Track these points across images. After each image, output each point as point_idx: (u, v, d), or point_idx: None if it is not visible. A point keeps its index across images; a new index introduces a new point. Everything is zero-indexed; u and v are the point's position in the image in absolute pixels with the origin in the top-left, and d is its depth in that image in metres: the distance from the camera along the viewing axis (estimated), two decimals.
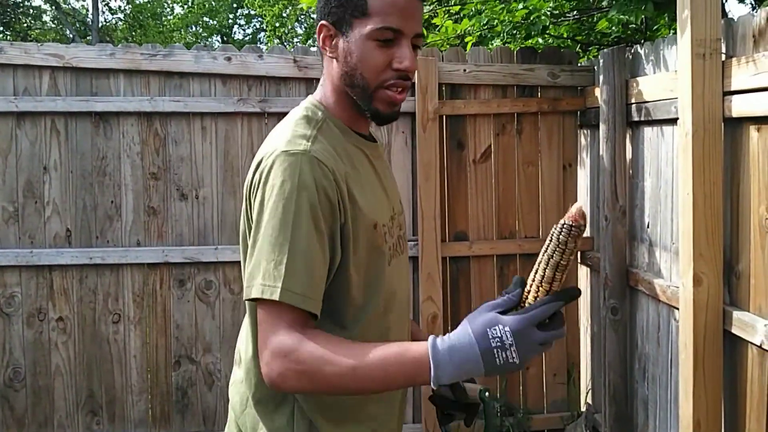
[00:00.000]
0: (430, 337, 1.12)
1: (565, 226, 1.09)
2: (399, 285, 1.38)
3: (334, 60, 1.30)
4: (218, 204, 3.42)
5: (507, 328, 1.07)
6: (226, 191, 3.41)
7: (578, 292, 1.12)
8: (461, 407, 1.44)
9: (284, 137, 1.24)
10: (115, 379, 3.43)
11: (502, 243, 3.54)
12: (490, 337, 1.07)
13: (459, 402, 1.43)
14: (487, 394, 1.39)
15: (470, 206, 3.54)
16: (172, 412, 3.46)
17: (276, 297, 1.13)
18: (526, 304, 1.12)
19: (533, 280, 1.11)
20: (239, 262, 3.29)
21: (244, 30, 20.49)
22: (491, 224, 3.56)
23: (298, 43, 16.54)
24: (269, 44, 16.14)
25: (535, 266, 1.12)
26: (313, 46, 15.60)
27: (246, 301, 1.26)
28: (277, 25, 16.37)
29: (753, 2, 3.90)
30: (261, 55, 3.33)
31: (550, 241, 1.11)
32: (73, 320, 3.38)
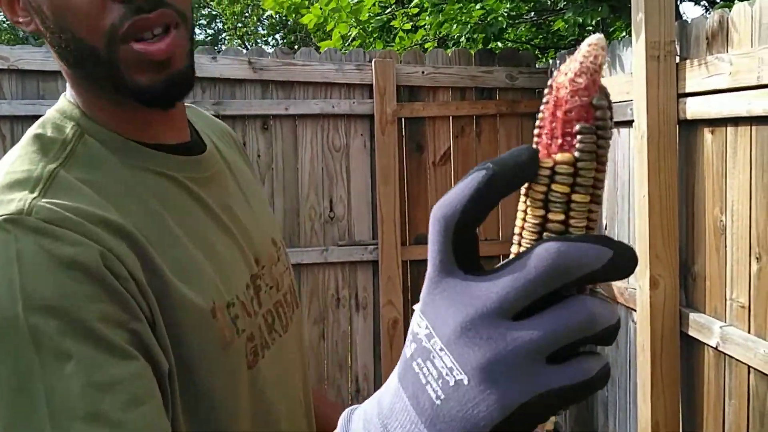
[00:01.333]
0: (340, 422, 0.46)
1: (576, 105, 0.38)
2: (279, 390, 0.82)
3: (39, 33, 0.73)
4: None
5: (441, 347, 0.39)
6: None
7: (634, 255, 0.38)
8: None
9: None
10: None
11: None
12: (408, 351, 0.41)
13: None
14: None
15: (430, 209, 3.50)
16: None
17: None
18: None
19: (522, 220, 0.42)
20: None
21: (205, 30, 20.23)
22: None
23: (261, 45, 16.41)
24: (230, 45, 15.96)
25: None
26: (269, 45, 15.46)
27: None
28: (239, 25, 16.21)
29: (707, 4, 3.95)
30: (215, 57, 3.26)
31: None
32: None
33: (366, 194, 3.42)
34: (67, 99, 0.77)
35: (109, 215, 0.65)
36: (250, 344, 0.76)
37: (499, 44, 4.33)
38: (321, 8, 3.96)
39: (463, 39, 3.55)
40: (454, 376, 0.37)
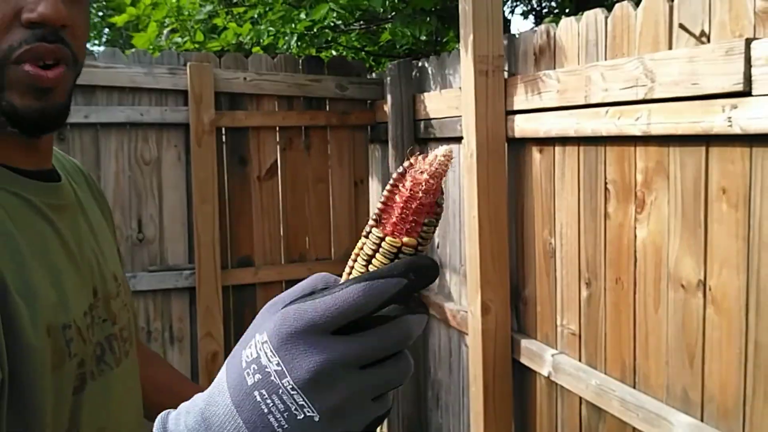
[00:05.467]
0: (157, 421, 0.52)
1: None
2: (104, 423, 0.81)
3: None
4: None
5: (266, 340, 0.48)
6: None
7: (432, 265, 0.49)
8: None
9: None
10: None
11: (291, 267, 3.27)
12: (247, 372, 0.48)
13: None
14: None
15: (255, 228, 3.23)
16: None
17: None
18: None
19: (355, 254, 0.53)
20: None
21: None
22: (278, 247, 3.28)
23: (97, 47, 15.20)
24: None
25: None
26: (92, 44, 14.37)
27: None
28: None
29: (534, 17, 4.00)
30: None
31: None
32: None
33: (181, 213, 3.07)
34: None
35: None
36: (79, 369, 0.77)
37: (333, 51, 4.14)
38: (136, 6, 3.57)
39: (292, 45, 3.31)
40: (305, 413, 0.46)
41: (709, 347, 1.52)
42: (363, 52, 4.43)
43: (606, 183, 1.81)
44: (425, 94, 2.82)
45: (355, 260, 0.51)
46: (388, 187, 0.50)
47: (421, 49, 4.03)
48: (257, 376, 0.47)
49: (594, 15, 1.82)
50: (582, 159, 1.90)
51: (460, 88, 2.42)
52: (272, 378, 0.46)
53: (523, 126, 2.10)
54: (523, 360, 2.19)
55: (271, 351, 0.47)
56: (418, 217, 0.48)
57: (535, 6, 4.14)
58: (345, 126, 3.36)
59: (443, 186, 0.49)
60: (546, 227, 2.09)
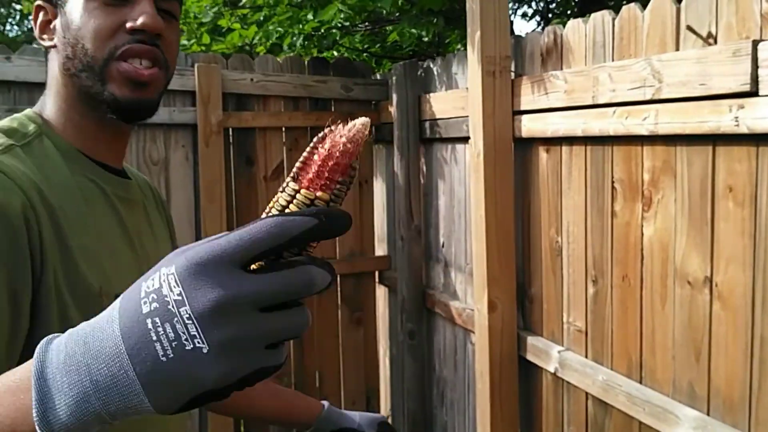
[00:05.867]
0: (43, 342, 0.53)
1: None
2: None
3: (53, 50, 0.95)
4: None
5: (172, 272, 0.48)
6: None
7: (343, 214, 0.52)
8: None
9: None
10: None
11: None
12: (144, 301, 0.49)
13: None
14: None
15: None
16: None
17: None
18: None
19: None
20: None
21: (18, 27, 18.52)
22: None
23: None
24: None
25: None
26: None
27: None
28: None
29: (539, 19, 4.04)
30: (9, 57, 2.81)
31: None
32: None
33: (188, 212, 3.10)
34: (27, 111, 0.95)
35: (41, 186, 0.83)
36: None
37: (335, 53, 4.17)
38: None
39: (298, 46, 3.34)
40: (195, 344, 0.46)
41: (715, 342, 1.55)
42: (365, 54, 4.46)
43: (613, 182, 1.84)
44: (431, 94, 2.85)
45: (268, 212, 0.53)
46: (308, 148, 0.53)
47: (423, 50, 4.07)
48: (154, 305, 0.47)
49: (601, 17, 1.86)
50: (589, 158, 1.94)
51: (466, 88, 2.45)
52: (170, 307, 0.47)
53: (530, 126, 2.14)
54: (530, 357, 2.22)
55: (175, 281, 0.47)
56: (333, 175, 0.52)
57: (536, 8, 4.18)
58: None
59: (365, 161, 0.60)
60: (553, 226, 2.12)
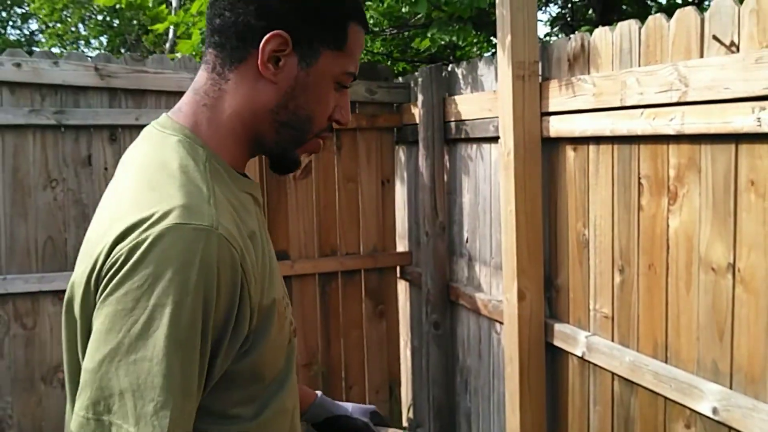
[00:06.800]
0: None
1: None
2: (293, 363, 1.06)
3: (269, 84, 0.95)
4: (6, 228, 2.98)
5: None
6: (17, 213, 2.98)
7: None
8: None
9: (169, 194, 0.85)
10: None
11: (324, 261, 3.46)
12: None
13: None
14: None
15: (291, 224, 3.41)
16: None
17: None
18: None
19: None
20: (33, 293, 2.95)
21: (21, 30, 18.60)
22: (312, 242, 3.46)
23: (82, 47, 15.29)
24: (49, 45, 14.71)
25: None
26: (101, 49, 14.49)
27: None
28: (57, 24, 14.94)
29: (561, 25, 4.21)
30: (56, 62, 2.96)
31: None
32: None
33: None
34: (180, 128, 0.95)
35: (241, 239, 0.88)
36: (290, 327, 1.03)
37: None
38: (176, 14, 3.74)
39: None
40: None
41: (737, 323, 1.71)
42: (384, 57, 4.61)
43: (639, 178, 2.00)
44: (456, 96, 3.00)
45: None
46: None
47: (440, 55, 4.23)
48: None
49: (628, 25, 2.01)
50: (616, 156, 2.09)
51: (493, 90, 2.61)
52: None
53: (557, 126, 2.29)
54: (557, 342, 2.37)
55: None
56: None
57: (556, 15, 4.35)
58: (373, 128, 3.54)
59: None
60: (580, 220, 2.28)
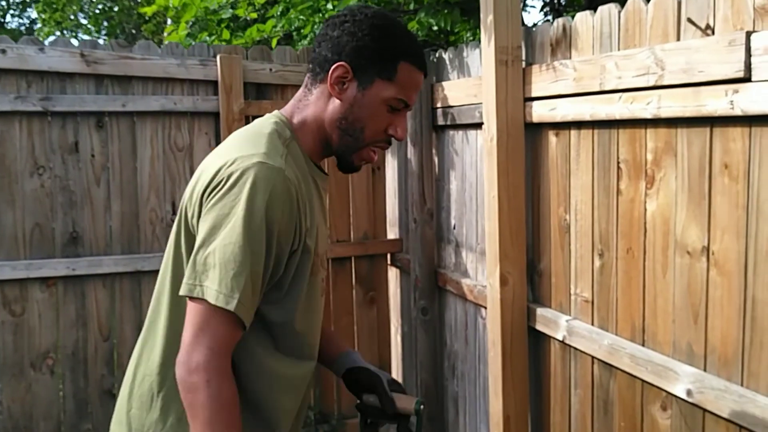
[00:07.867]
0: None
1: None
2: (319, 315, 1.42)
3: (336, 100, 1.31)
4: None
5: None
6: (4, 200, 2.99)
7: None
8: (388, 417, 1.48)
9: (258, 146, 1.25)
10: None
11: None
12: None
13: (386, 412, 1.48)
14: (422, 406, 1.45)
15: None
16: None
17: (231, 308, 1.16)
18: None
19: None
20: (21, 280, 2.95)
21: (20, 18, 18.56)
22: None
23: (80, 34, 15.24)
24: (48, 34, 14.69)
25: None
26: (100, 37, 14.45)
27: (168, 298, 1.31)
28: (56, 12, 14.89)
29: (547, 11, 4.20)
30: (42, 48, 2.96)
31: None
32: None
33: None
34: (281, 117, 1.34)
35: (299, 187, 1.25)
36: (323, 284, 1.41)
37: None
38: None
39: (312, 35, 3.50)
40: None
41: (711, 305, 1.72)
42: None
43: (618, 162, 2.01)
44: (444, 82, 3.00)
45: None
46: None
47: (432, 40, 4.22)
48: None
49: (608, 9, 2.01)
50: (596, 141, 2.10)
51: (479, 76, 2.61)
52: None
53: (540, 112, 2.30)
54: (539, 326, 2.39)
55: None
56: None
57: (547, 1, 4.35)
58: None
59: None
60: (561, 204, 2.28)
